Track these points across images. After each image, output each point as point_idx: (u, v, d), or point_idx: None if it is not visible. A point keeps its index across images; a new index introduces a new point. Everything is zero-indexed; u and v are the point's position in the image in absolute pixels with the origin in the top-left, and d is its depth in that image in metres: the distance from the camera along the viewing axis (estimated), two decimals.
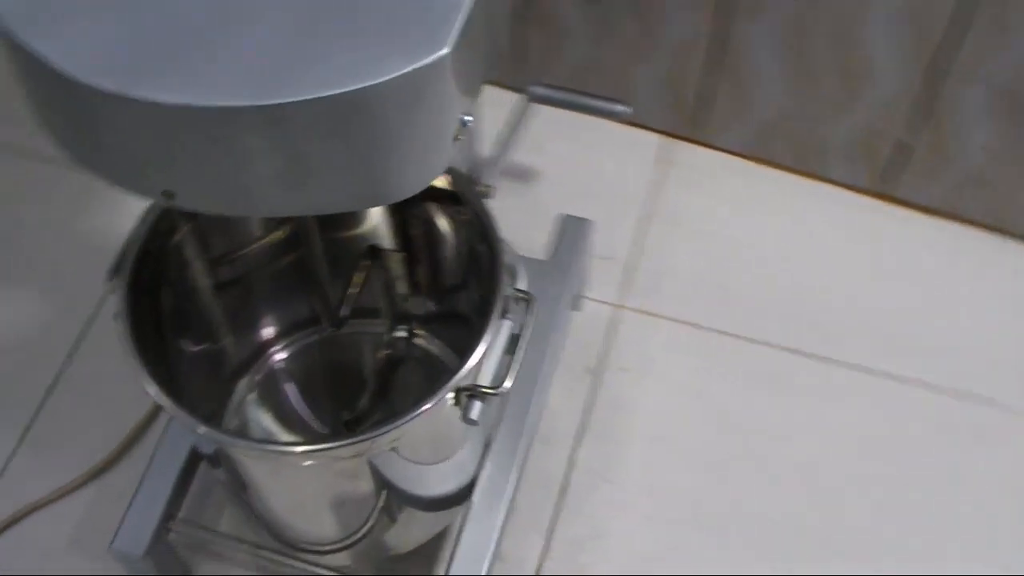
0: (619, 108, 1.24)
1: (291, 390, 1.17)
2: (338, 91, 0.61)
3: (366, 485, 0.96)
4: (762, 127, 1.39)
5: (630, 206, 1.41)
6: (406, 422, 0.87)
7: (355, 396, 1.14)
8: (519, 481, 1.10)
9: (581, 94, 1.25)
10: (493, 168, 1.16)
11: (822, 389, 1.27)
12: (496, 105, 1.38)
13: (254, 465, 0.95)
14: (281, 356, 1.17)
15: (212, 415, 1.11)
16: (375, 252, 1.08)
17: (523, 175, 1.43)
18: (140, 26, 0.65)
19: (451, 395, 0.89)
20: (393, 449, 0.93)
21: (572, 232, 1.24)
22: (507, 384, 0.90)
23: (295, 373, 1.17)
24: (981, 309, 1.32)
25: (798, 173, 1.42)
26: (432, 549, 1.14)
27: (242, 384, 1.15)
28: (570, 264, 1.21)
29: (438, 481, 1.06)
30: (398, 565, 1.14)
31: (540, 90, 1.26)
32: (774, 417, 1.25)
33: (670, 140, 1.46)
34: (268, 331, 1.17)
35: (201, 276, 1.03)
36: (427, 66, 0.64)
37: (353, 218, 1.07)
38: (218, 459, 0.97)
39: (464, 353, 0.89)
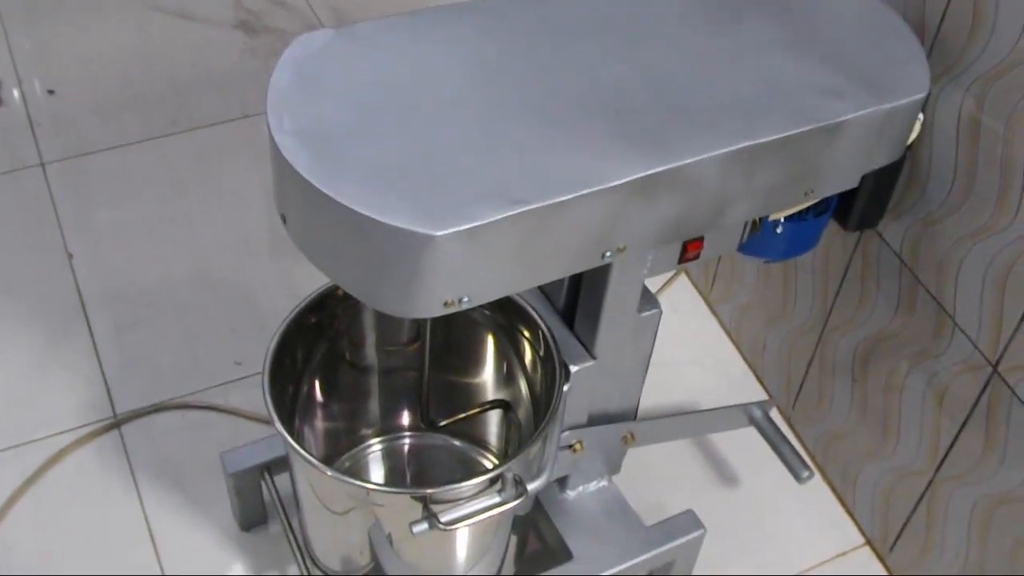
0: (804, 473, 1.35)
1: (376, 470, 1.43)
2: (349, 206, 0.89)
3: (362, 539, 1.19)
4: None
5: (786, 566, 1.46)
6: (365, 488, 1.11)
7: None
8: None
9: (783, 441, 1.38)
10: (646, 429, 1.33)
11: None
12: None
13: (298, 472, 1.22)
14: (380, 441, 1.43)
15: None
16: (502, 404, 1.31)
17: (723, 471, 1.54)
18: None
19: (421, 503, 1.10)
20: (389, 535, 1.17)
21: (679, 526, 1.35)
22: (453, 527, 1.09)
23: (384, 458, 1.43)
24: None
25: None
26: None
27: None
28: (652, 544, 1.33)
29: None
30: None
31: (756, 413, 1.40)
32: None
33: (869, 549, 1.48)
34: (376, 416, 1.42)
35: (345, 351, 1.32)
36: (412, 232, 0.88)
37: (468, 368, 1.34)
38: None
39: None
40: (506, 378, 1.32)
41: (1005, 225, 1.16)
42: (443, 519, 1.10)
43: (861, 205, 1.28)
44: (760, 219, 1.19)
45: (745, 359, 1.67)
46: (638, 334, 1.22)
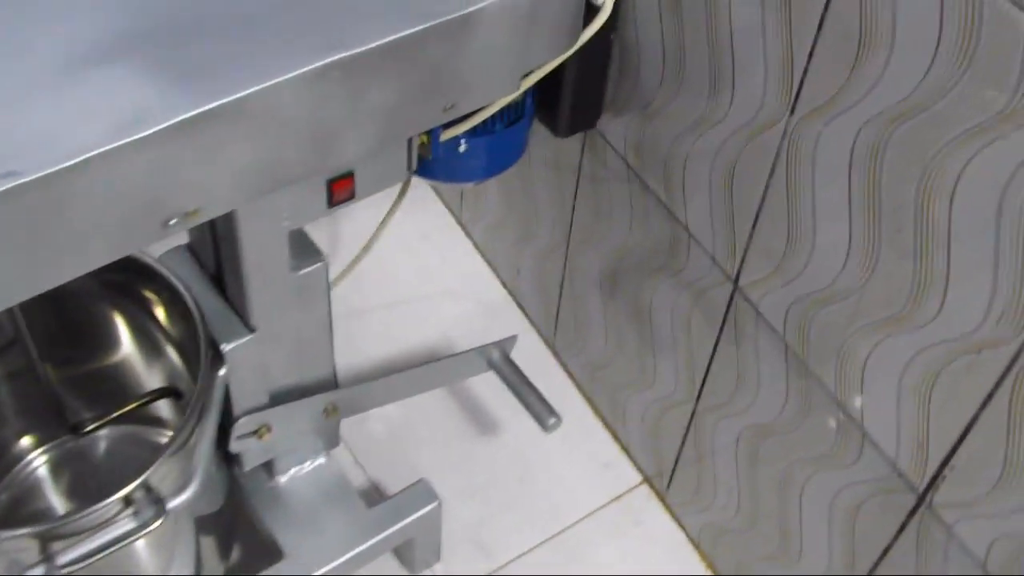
0: (550, 421, 1.17)
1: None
2: None
3: None
4: (708, 527, 1.22)
5: (555, 519, 1.28)
6: None
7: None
8: None
9: (527, 386, 1.19)
10: (352, 397, 1.13)
11: None
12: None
13: None
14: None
15: None
16: (162, 393, 1.09)
17: (481, 420, 1.35)
18: None
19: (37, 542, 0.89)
20: None
21: (408, 502, 1.15)
22: (72, 568, 0.88)
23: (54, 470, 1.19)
24: None
25: None
26: None
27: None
28: (377, 528, 1.13)
29: None
30: None
31: (495, 355, 1.21)
32: None
33: (647, 488, 1.31)
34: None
35: None
36: None
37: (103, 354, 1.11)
38: None
39: None
40: (154, 355, 1.09)
41: (721, 116, 0.96)
42: (61, 559, 0.89)
43: (567, 107, 1.07)
44: (427, 139, 0.98)
45: (504, 285, 1.47)
46: (304, 295, 1.00)
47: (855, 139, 0.83)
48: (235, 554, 1.15)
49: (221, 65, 0.73)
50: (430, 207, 1.54)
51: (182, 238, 1.03)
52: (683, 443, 1.21)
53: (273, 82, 0.73)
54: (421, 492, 1.16)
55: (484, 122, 1.01)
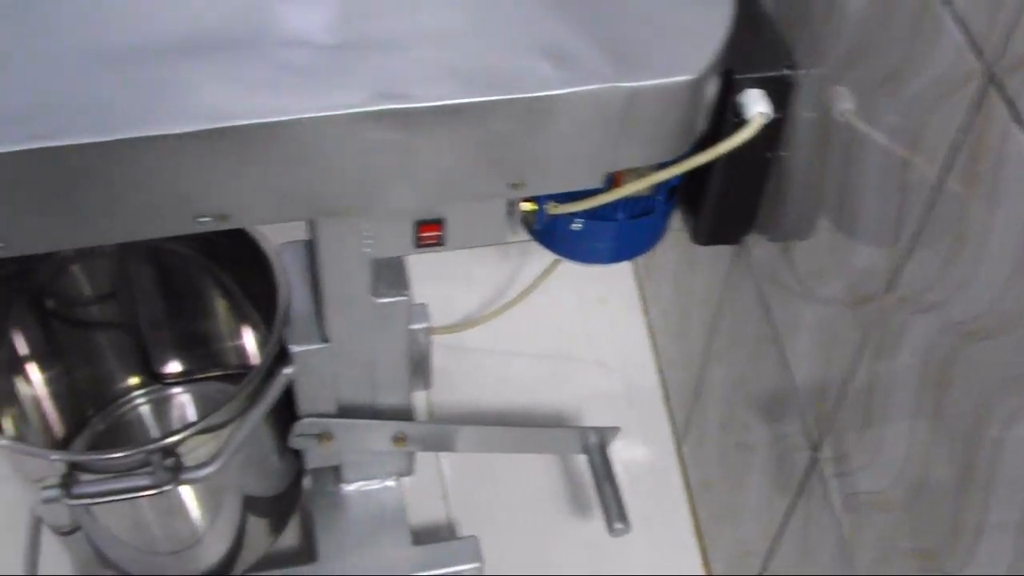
0: (618, 525, 1.14)
1: None
2: None
3: None
4: None
5: None
6: None
7: None
8: None
9: (610, 483, 1.16)
10: (425, 434, 1.12)
11: None
12: None
13: None
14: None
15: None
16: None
17: (580, 495, 1.30)
18: None
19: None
20: None
21: (449, 555, 1.14)
22: (78, 502, 0.94)
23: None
24: None
25: None
26: None
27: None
28: (409, 566, 1.13)
29: None
30: None
31: (592, 443, 1.19)
32: None
33: None
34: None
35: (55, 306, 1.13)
36: None
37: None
38: None
39: None
40: (245, 331, 1.13)
41: (835, 271, 0.86)
42: (75, 490, 0.95)
43: (708, 215, 1.00)
44: (536, 208, 0.95)
45: (659, 372, 1.40)
46: (382, 323, 1.00)
47: (930, 344, 0.73)
48: (279, 540, 1.18)
49: (273, 86, 0.74)
50: (620, 273, 1.50)
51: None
52: None
53: (311, 116, 0.73)
54: (467, 549, 1.14)
55: (605, 208, 0.97)
